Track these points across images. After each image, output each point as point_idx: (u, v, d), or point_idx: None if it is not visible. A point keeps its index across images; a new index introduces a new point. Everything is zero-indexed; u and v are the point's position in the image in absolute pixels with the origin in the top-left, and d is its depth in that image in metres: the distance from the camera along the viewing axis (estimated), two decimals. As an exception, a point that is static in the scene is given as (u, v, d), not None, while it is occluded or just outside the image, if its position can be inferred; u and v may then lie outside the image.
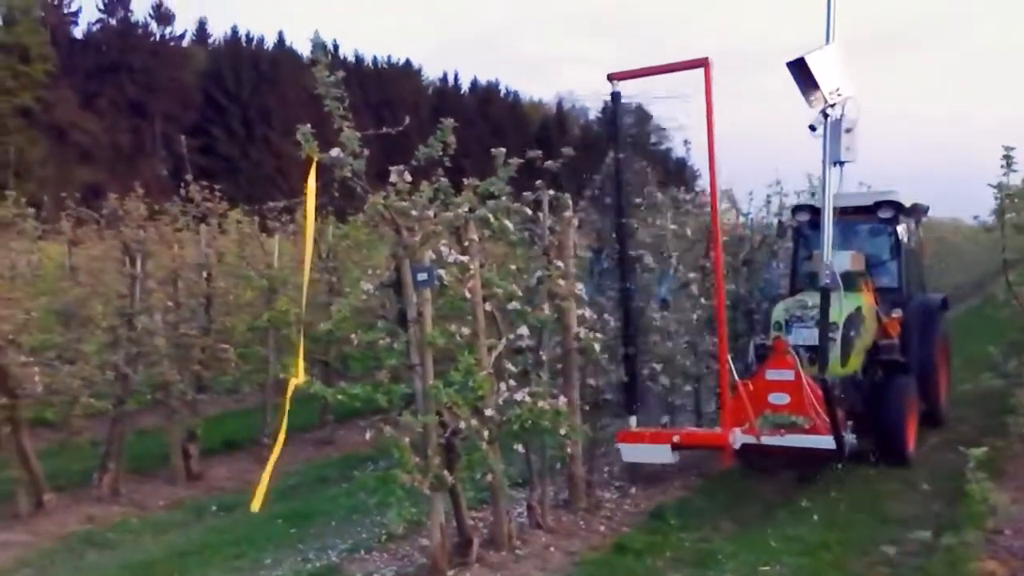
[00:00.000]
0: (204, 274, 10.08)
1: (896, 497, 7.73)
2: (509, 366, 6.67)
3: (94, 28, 65.41)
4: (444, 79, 76.79)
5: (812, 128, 7.21)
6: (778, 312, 8.79)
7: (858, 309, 8.74)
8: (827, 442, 7.31)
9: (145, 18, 66.28)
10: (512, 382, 6.57)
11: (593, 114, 77.61)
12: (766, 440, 7.45)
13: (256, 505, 5.69)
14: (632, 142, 8.32)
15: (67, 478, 8.75)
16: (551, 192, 7.69)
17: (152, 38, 66.17)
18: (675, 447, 7.43)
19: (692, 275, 9.37)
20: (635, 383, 7.83)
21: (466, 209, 6.28)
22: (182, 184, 10.90)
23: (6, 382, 7.64)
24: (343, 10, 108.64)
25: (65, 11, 65.10)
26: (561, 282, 7.08)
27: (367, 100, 56.01)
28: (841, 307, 8.34)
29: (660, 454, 7.49)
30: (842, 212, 9.07)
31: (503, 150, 6.62)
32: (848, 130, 7.25)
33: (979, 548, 6.05)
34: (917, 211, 10.42)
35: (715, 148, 7.20)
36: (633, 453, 7.73)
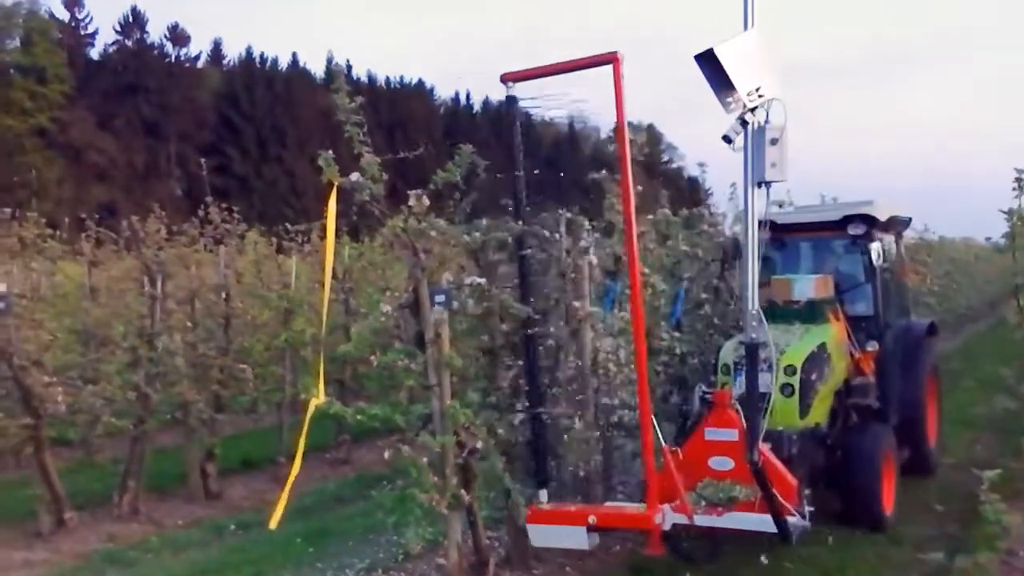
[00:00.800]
0: (222, 295, 10.21)
1: (910, 519, 7.74)
2: (525, 386, 6.73)
3: (111, 49, 66.25)
4: (456, 99, 77.33)
5: (727, 139, 5.77)
6: (726, 353, 7.42)
7: (822, 346, 7.45)
8: (767, 524, 5.86)
9: (161, 39, 67.13)
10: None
11: (605, 133, 78.00)
12: (700, 520, 5.99)
13: (273, 523, 5.76)
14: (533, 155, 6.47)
15: (88, 497, 8.85)
16: (567, 214, 7.80)
17: (168, 59, 66.93)
18: (592, 529, 5.94)
19: (704, 296, 9.42)
20: (545, 448, 6.33)
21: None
22: (201, 205, 11.08)
23: (30, 402, 7.76)
24: (356, 31, 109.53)
25: (82, 33, 65.92)
26: (577, 304, 7.16)
27: (379, 121, 56.40)
28: (801, 344, 7.28)
29: (575, 537, 5.97)
30: (807, 229, 8.50)
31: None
32: (774, 141, 5.76)
33: (993, 569, 6.07)
34: (895, 225, 9.06)
35: (626, 150, 5.83)
36: (544, 536, 6.16)
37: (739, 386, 6.83)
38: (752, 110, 5.70)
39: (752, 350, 5.89)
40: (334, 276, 11.19)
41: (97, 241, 13.23)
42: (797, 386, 7.05)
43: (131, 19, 65.73)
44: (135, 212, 11.88)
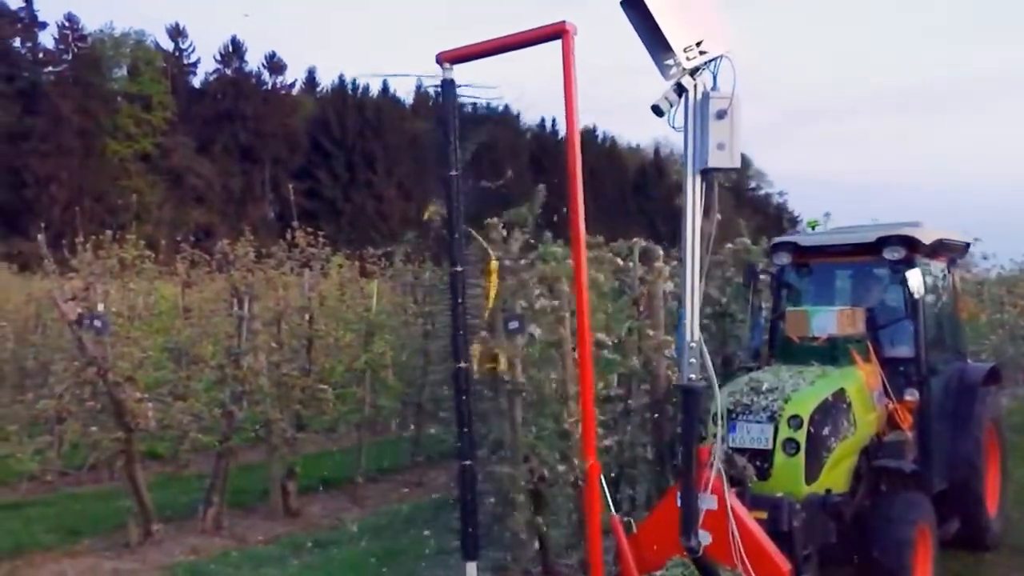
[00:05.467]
0: (306, 317, 10.48)
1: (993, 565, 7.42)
2: (597, 414, 6.74)
3: (211, 78, 68.94)
4: (542, 124, 77.84)
5: (656, 111, 4.48)
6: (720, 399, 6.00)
7: (840, 393, 6.17)
8: None
9: (258, 68, 69.63)
10: (601, 429, 6.66)
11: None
12: None
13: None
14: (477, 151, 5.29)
15: (174, 510, 9.15)
16: (642, 242, 7.82)
17: (264, 87, 69.30)
18: None
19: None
20: (475, 511, 5.13)
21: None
22: (289, 228, 11.44)
23: (122, 417, 8.08)
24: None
25: (185, 62, 68.83)
26: (651, 332, 7.15)
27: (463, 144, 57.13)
28: (811, 390, 6.11)
29: None
30: (837, 253, 7.40)
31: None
32: (721, 114, 4.45)
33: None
34: (945, 251, 7.71)
35: (576, 133, 4.91)
36: None
37: (732, 439, 5.80)
38: (692, 72, 4.44)
39: (689, 395, 4.64)
40: (414, 300, 11.47)
41: (191, 262, 13.79)
42: (803, 442, 5.82)
43: (231, 49, 68.44)
44: (230, 234, 12.34)
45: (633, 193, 75.19)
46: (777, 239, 7.83)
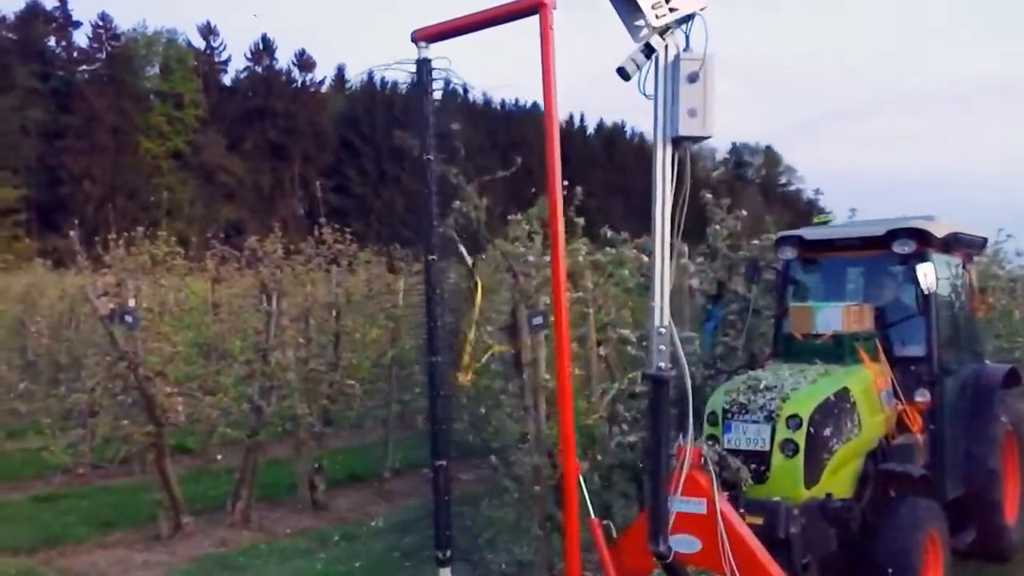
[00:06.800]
0: (333, 313, 10.56)
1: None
2: (622, 410, 6.74)
3: (242, 76, 69.54)
4: (570, 120, 77.66)
5: (622, 74, 4.13)
6: (716, 398, 5.82)
7: (843, 393, 5.78)
8: None
9: (288, 65, 70.10)
10: (626, 426, 6.65)
11: (721, 154, 76.96)
12: None
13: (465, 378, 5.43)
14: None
15: (203, 503, 9.27)
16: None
17: (294, 84, 69.81)
18: None
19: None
20: (447, 512, 4.93)
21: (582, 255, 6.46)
22: (316, 225, 11.54)
23: (153, 411, 8.20)
24: (473, 55, 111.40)
25: (216, 60, 69.49)
26: (676, 329, 7.12)
27: (495, 142, 57.25)
28: (812, 389, 5.72)
29: None
30: (846, 247, 7.07)
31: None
32: (692, 78, 4.09)
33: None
34: (960, 246, 7.30)
35: (554, 110, 4.47)
36: None
37: (727, 440, 5.57)
38: (662, 32, 4.08)
39: (658, 385, 4.28)
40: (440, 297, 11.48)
41: (221, 258, 13.96)
42: (803, 444, 5.44)
43: (261, 46, 69.02)
44: (260, 231, 12.44)
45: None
46: (782, 233, 7.50)
